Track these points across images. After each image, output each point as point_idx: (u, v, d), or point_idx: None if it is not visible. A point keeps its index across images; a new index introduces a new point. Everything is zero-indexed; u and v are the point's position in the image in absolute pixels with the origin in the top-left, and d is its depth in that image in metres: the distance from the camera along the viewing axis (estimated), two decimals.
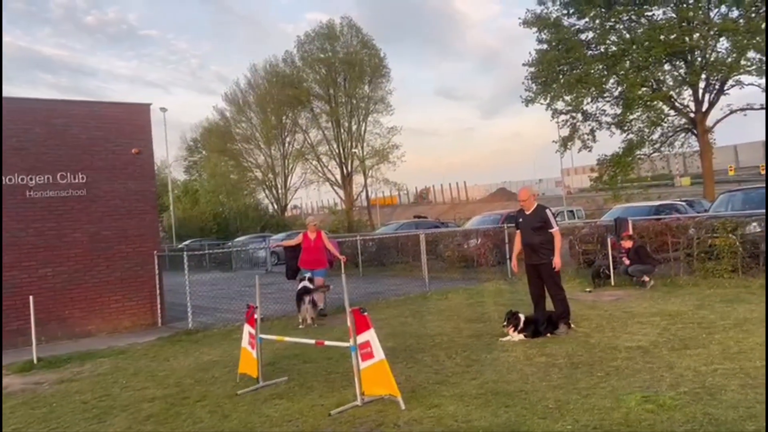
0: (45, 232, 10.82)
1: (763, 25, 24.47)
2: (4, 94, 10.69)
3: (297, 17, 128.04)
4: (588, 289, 11.71)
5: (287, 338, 6.75)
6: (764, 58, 24.92)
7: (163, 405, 6.00)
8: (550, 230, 7.92)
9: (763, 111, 26.51)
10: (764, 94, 26.16)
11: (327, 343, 6.17)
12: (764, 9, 24.34)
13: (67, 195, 11.08)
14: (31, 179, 10.73)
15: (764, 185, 16.42)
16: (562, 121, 30.79)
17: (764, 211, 11.49)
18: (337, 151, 48.67)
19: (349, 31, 47.61)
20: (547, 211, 8.04)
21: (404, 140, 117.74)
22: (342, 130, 48.34)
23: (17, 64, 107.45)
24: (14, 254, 10.48)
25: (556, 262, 7.83)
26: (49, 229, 10.86)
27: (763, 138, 47.93)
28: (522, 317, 7.63)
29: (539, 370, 6.13)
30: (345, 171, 48.76)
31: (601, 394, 5.15)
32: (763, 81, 25.83)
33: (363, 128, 48.67)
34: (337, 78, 47.70)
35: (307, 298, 10.18)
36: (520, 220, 8.22)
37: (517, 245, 8.47)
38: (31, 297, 8.92)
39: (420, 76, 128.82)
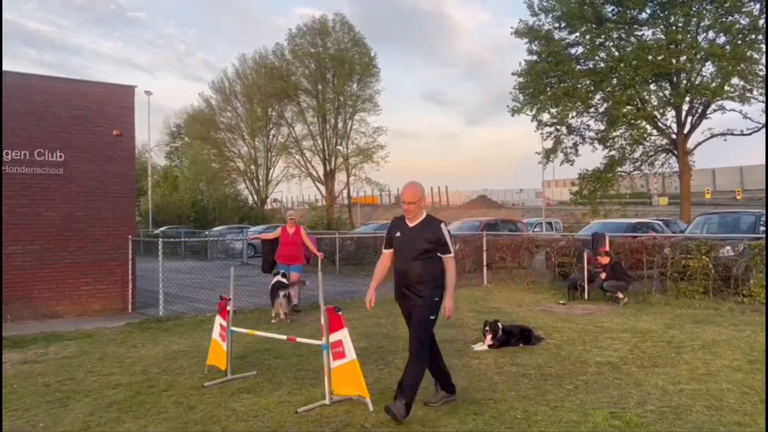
0: (16, 209, 10.59)
1: (749, 53, 24.93)
2: None
3: (286, 11, 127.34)
4: (561, 302, 11.80)
5: (259, 332, 6.67)
6: (747, 85, 25.39)
7: (128, 392, 5.90)
8: (443, 256, 5.20)
9: (743, 137, 27.05)
10: (746, 120, 26.65)
11: (299, 339, 6.13)
12: (764, 18, 24.70)
13: (43, 173, 10.86)
14: (6, 154, 10.49)
15: (739, 211, 16.72)
16: (547, 133, 31.14)
17: (739, 235, 11.69)
18: (321, 147, 48.45)
19: (342, 28, 47.45)
20: (442, 226, 5.23)
21: (388, 141, 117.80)
22: (328, 127, 48.15)
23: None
24: None
25: (448, 307, 5.13)
26: (21, 205, 10.63)
27: (740, 164, 48.93)
28: (500, 326, 7.66)
29: (509, 379, 6.15)
30: (328, 167, 48.56)
31: (569, 407, 5.18)
32: (745, 108, 26.33)
33: (349, 126, 48.53)
34: (326, 74, 47.48)
35: (281, 293, 10.10)
36: (398, 234, 5.34)
37: (380, 270, 5.64)
38: None
39: (406, 78, 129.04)
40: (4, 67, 10.64)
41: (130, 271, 11.69)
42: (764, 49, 24.85)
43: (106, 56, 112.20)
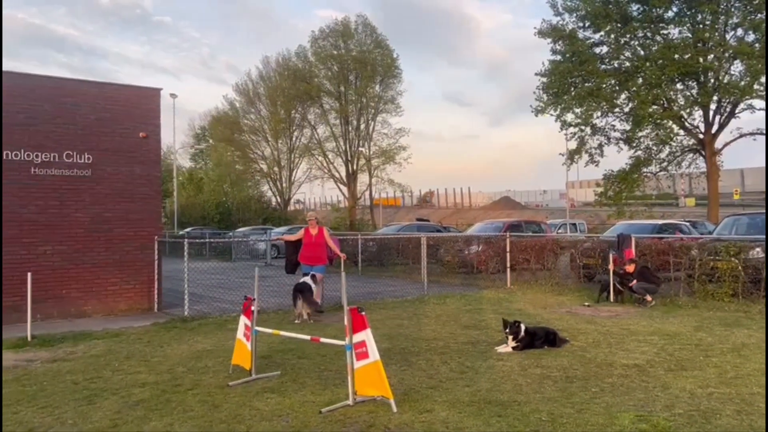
0: (47, 210, 10.80)
1: None
2: (15, 70, 10.68)
3: (307, 13, 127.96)
4: (586, 303, 11.66)
5: (283, 332, 6.70)
6: None
7: (154, 391, 5.97)
8: None
9: None
10: None
11: (323, 340, 6.14)
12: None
13: (72, 174, 11.06)
14: (36, 156, 10.71)
15: None
16: (571, 133, 30.76)
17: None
18: (343, 148, 48.61)
19: (364, 30, 47.57)
20: None
21: (410, 142, 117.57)
22: (350, 128, 48.29)
23: (30, 41, 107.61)
24: (15, 230, 10.46)
25: None
26: (51, 207, 10.84)
27: None
28: (523, 327, 7.57)
29: (534, 381, 6.09)
30: (350, 169, 48.68)
31: (595, 410, 5.11)
32: None
33: (371, 127, 48.64)
34: (348, 76, 47.64)
35: (302, 295, 10.15)
36: None
37: None
38: (29, 274, 8.91)
39: (428, 80, 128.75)
40: (35, 71, 10.88)
41: (156, 272, 11.84)
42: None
43: (132, 60, 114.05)
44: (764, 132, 27.19)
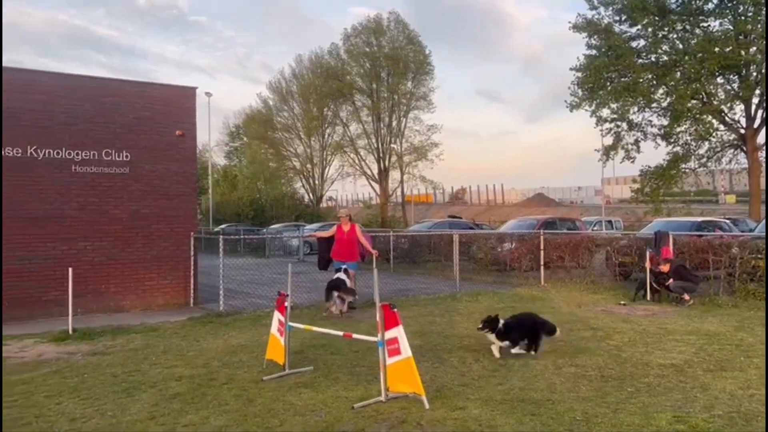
0: (87, 207, 11.08)
1: None
2: (55, 70, 10.99)
3: (340, 11, 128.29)
4: (622, 302, 11.46)
5: (315, 328, 6.76)
6: None
7: (191, 385, 6.09)
8: None
9: None
10: None
11: (355, 336, 6.17)
12: None
13: (111, 172, 11.32)
14: (77, 154, 10.99)
15: None
16: (606, 129, 30.26)
17: None
18: (375, 145, 48.65)
19: (396, 27, 47.47)
20: None
21: (443, 139, 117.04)
22: (382, 125, 48.30)
23: (72, 42, 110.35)
24: (56, 226, 10.76)
25: None
26: (91, 204, 11.12)
27: None
28: (501, 321, 7.00)
29: (568, 380, 6.02)
30: (382, 166, 48.70)
31: (631, 410, 5.03)
32: None
33: (403, 124, 48.54)
34: (380, 73, 47.65)
35: (335, 293, 10.23)
36: None
37: None
38: (70, 269, 9.15)
39: (461, 76, 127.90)
40: (76, 71, 11.16)
41: (192, 267, 12.06)
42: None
43: (168, 59, 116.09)
44: None
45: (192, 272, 12.06)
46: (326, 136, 52.51)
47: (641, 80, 27.97)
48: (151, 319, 10.26)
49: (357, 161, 50.17)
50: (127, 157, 11.46)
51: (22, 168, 10.48)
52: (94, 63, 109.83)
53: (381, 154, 48.61)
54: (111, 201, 11.33)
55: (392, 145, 48.05)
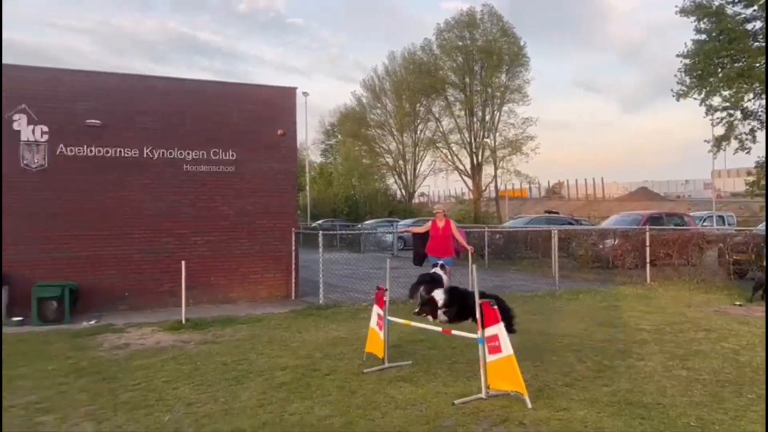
0: (197, 204, 11.76)
1: None
2: (165, 74, 11.69)
3: (433, 7, 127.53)
4: (738, 303, 10.74)
5: (414, 323, 6.81)
6: None
7: (295, 375, 6.32)
8: None
9: None
10: None
11: (454, 332, 6.15)
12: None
13: (218, 170, 11.93)
14: (188, 154, 11.67)
15: None
16: (718, 118, 28.31)
17: None
18: (468, 140, 48.21)
19: (490, 19, 46.80)
20: None
21: (538, 132, 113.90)
22: (475, 119, 47.79)
23: (177, 47, 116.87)
24: (171, 222, 11.49)
25: None
26: (201, 201, 11.79)
27: None
28: (441, 294, 6.34)
29: (679, 383, 5.73)
30: (475, 161, 48.20)
31: (752, 418, 4.72)
32: None
33: (497, 118, 47.79)
34: (473, 66, 47.14)
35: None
36: None
37: None
38: (183, 262, 9.74)
39: (557, 67, 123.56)
40: (185, 75, 11.82)
41: (293, 261, 12.49)
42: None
43: (266, 61, 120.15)
44: None
45: (294, 266, 12.48)
46: (418, 132, 52.71)
47: (758, 65, 25.94)
48: (255, 310, 10.73)
49: (449, 156, 50.00)
50: (233, 156, 12.03)
51: (140, 168, 11.27)
52: (197, 66, 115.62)
53: (474, 149, 48.12)
54: (219, 198, 11.94)
55: (486, 140, 47.43)
